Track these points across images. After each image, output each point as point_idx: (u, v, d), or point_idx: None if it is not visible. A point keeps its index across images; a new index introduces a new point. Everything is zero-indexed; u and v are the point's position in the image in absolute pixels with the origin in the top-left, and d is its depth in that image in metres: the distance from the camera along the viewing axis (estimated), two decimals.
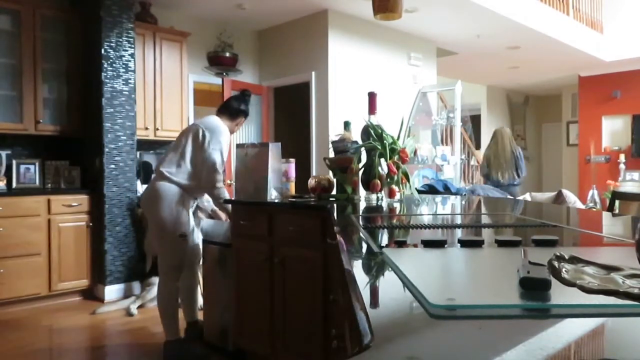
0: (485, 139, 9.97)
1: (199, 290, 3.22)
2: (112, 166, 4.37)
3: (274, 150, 2.86)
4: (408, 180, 2.67)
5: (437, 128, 6.76)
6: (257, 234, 2.71)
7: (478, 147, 9.09)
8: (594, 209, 6.10)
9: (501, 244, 1.08)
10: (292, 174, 3.04)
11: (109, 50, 4.35)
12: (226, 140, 2.98)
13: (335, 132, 4.27)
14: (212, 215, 3.22)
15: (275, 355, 2.65)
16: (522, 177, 5.70)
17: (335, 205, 2.40)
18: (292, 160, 3.06)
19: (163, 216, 2.87)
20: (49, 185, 4.53)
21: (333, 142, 2.91)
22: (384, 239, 1.34)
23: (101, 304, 4.16)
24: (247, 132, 5.98)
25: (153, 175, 3.04)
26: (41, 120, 4.38)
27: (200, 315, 3.23)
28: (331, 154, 2.94)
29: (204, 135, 2.91)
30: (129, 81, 4.48)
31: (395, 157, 2.63)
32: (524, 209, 2.37)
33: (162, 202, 2.86)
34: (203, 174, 2.89)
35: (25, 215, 4.07)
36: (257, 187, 2.85)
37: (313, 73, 5.58)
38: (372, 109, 2.77)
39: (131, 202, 4.47)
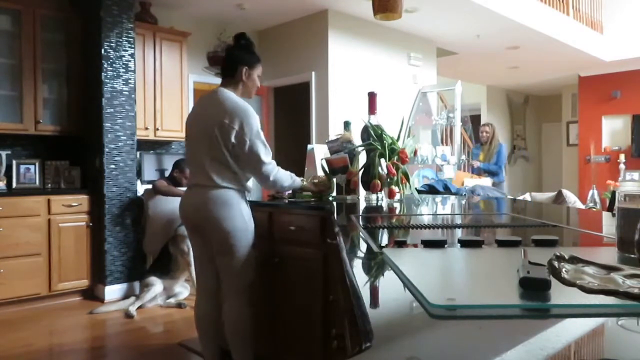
0: None
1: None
2: (112, 166, 4.37)
3: None
4: (408, 180, 2.66)
5: (437, 128, 6.76)
6: (257, 233, 2.71)
7: None
8: (594, 209, 6.10)
9: (501, 244, 1.08)
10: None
11: (109, 50, 4.35)
12: (257, 120, 2.39)
13: (335, 132, 4.28)
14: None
15: (275, 355, 2.65)
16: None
17: (335, 205, 2.40)
18: None
19: (236, 225, 2.35)
20: (49, 185, 4.53)
21: (328, 143, 2.90)
22: (384, 239, 1.34)
23: (101, 304, 4.16)
24: None
25: (190, 184, 2.49)
26: (41, 120, 4.38)
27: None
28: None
29: (229, 128, 2.30)
30: (129, 81, 4.48)
31: (395, 158, 2.63)
32: (523, 209, 2.37)
33: (231, 210, 2.35)
34: (252, 174, 2.43)
35: (25, 215, 4.07)
36: None
37: (313, 73, 5.58)
38: (372, 109, 2.77)
39: (131, 202, 4.47)
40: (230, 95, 2.40)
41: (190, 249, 3.95)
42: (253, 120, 2.36)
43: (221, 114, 2.32)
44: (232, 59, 2.47)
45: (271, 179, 2.42)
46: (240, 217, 2.38)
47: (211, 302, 2.51)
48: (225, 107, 2.34)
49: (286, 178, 2.50)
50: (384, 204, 2.53)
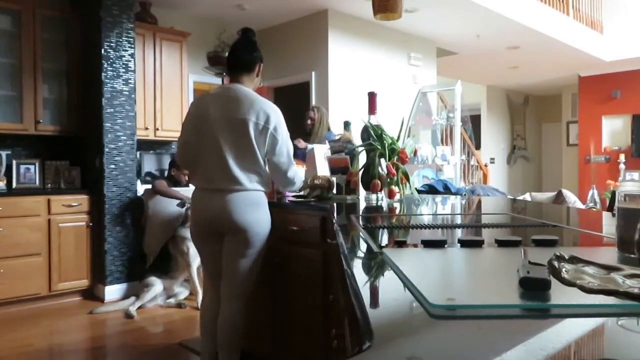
0: (486, 139, 9.98)
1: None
2: (112, 166, 4.37)
3: None
4: (408, 180, 2.66)
5: (437, 128, 6.76)
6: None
7: (478, 147, 9.10)
8: (594, 209, 6.09)
9: (501, 244, 1.08)
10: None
11: (109, 50, 4.35)
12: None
13: (335, 132, 4.27)
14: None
15: (275, 355, 2.65)
16: None
17: (335, 205, 2.40)
18: None
19: (262, 228, 2.35)
20: (49, 185, 4.53)
21: (330, 142, 2.92)
22: (384, 239, 1.34)
23: (101, 304, 4.16)
24: None
25: (209, 188, 2.34)
26: (41, 120, 4.38)
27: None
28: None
29: (265, 127, 2.26)
30: (129, 81, 4.48)
31: (395, 158, 2.63)
32: (523, 209, 2.37)
33: (260, 213, 2.35)
34: (279, 175, 2.41)
35: (25, 215, 4.07)
36: None
37: (313, 73, 5.58)
38: (372, 109, 2.77)
39: (131, 202, 4.47)
40: (255, 94, 2.35)
41: (190, 250, 3.95)
42: (283, 121, 2.36)
43: (253, 113, 2.25)
44: (254, 55, 2.41)
45: (295, 179, 2.45)
46: (266, 220, 2.38)
47: (219, 305, 2.49)
48: (258, 106, 2.27)
49: (300, 177, 2.53)
50: (384, 204, 2.53)
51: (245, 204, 2.29)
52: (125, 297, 4.27)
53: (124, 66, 4.44)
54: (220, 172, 2.28)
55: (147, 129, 4.82)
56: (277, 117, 2.31)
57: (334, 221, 1.81)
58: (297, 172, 2.46)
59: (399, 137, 2.71)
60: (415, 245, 1.09)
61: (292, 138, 2.55)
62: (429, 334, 0.58)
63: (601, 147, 8.87)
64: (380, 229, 1.49)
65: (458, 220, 1.90)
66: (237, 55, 2.40)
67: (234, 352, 2.43)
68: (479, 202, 2.84)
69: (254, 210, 2.31)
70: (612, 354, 0.52)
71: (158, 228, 4.35)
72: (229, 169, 2.26)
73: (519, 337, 0.55)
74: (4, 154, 4.38)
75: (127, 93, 4.46)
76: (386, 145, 2.61)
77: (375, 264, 0.99)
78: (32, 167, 4.49)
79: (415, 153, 5.86)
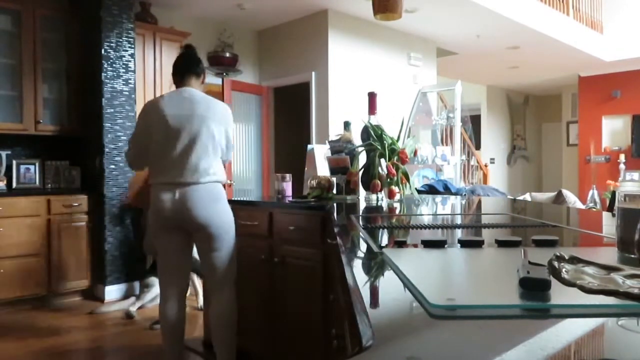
0: (486, 139, 9.98)
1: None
2: (112, 166, 4.37)
3: None
4: (408, 180, 2.66)
5: (437, 128, 6.76)
6: (257, 233, 2.71)
7: (478, 147, 9.10)
8: (594, 209, 6.09)
9: (501, 244, 1.08)
10: (289, 192, 2.98)
11: (109, 50, 4.35)
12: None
13: (335, 132, 4.28)
14: None
15: (275, 355, 2.65)
16: None
17: (335, 205, 2.40)
18: (289, 177, 2.97)
19: (229, 218, 2.51)
20: (49, 185, 4.53)
21: (330, 142, 2.92)
22: (384, 239, 1.34)
23: (101, 304, 4.16)
24: (247, 132, 5.98)
25: (173, 182, 2.41)
26: (41, 120, 4.38)
27: (201, 317, 3.22)
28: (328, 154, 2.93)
29: (226, 125, 2.54)
30: (129, 81, 4.48)
31: (395, 158, 2.63)
32: (523, 209, 2.37)
33: (223, 203, 2.48)
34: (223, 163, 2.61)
35: (25, 215, 4.07)
36: None
37: (313, 73, 5.58)
38: (372, 109, 2.77)
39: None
40: (208, 95, 2.58)
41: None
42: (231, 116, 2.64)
43: (211, 111, 2.47)
44: (201, 64, 2.68)
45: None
46: (227, 212, 2.51)
47: (182, 304, 2.53)
48: (214, 105, 2.51)
49: None
50: (384, 204, 2.53)
51: (205, 199, 2.39)
52: (125, 297, 4.27)
53: (124, 66, 4.44)
54: (182, 167, 2.40)
55: None
56: (230, 116, 2.58)
57: (334, 221, 1.81)
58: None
59: (399, 137, 2.71)
60: (415, 246, 1.09)
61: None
62: (429, 334, 0.58)
63: (601, 147, 8.87)
64: (380, 229, 1.49)
65: (458, 220, 1.90)
66: (188, 62, 2.63)
67: (231, 346, 2.48)
68: (479, 202, 2.84)
69: (212, 204, 2.42)
70: (612, 354, 0.52)
71: None
72: (191, 164, 2.39)
73: (519, 337, 0.55)
74: (4, 154, 4.38)
75: (127, 93, 4.46)
76: (386, 145, 2.61)
77: (375, 264, 0.99)
78: (32, 167, 4.49)
79: (415, 153, 5.86)
